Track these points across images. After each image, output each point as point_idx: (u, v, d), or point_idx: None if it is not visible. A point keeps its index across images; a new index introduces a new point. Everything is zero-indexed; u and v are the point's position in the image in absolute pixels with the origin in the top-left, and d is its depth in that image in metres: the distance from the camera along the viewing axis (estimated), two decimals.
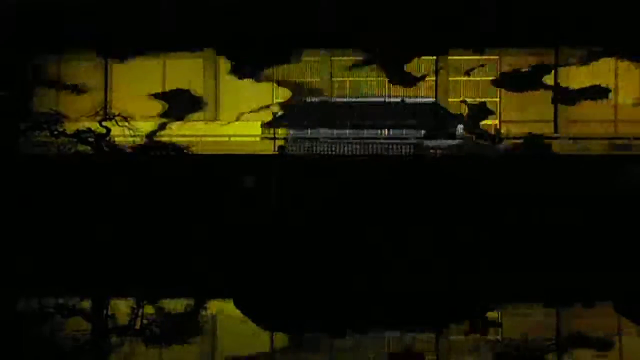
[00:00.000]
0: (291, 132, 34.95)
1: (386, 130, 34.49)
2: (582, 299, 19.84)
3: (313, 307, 18.62)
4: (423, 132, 33.74)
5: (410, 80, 36.58)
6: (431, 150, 32.27)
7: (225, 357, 14.92)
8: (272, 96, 37.85)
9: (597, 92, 35.90)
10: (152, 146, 30.65)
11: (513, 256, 24.45)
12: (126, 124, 30.33)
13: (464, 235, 25.07)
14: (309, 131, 34.79)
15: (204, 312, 18.76)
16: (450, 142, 33.34)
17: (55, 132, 30.49)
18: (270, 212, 26.42)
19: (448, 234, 25.20)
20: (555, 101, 35.99)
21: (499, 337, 16.39)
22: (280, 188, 27.45)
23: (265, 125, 36.15)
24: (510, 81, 36.18)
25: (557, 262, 24.11)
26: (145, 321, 17.52)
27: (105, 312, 18.74)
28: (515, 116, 36.30)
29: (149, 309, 18.79)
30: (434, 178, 27.23)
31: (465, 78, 36.79)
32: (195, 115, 37.57)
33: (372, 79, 37.46)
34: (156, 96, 37.66)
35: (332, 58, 37.05)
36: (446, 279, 21.93)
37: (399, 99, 35.73)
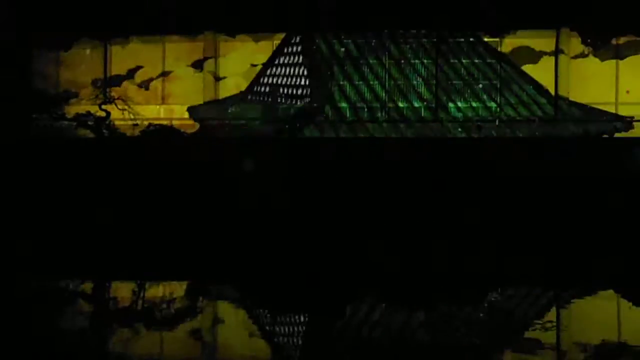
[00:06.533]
0: None
1: None
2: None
3: (313, 289, 18.63)
4: None
5: None
6: None
7: (228, 343, 14.94)
8: None
9: None
10: (152, 130, 30.62)
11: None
12: (126, 107, 30.32)
13: None
14: None
15: (204, 298, 18.75)
16: None
17: (55, 116, 30.47)
18: (269, 196, 26.38)
19: None
20: None
21: None
22: (280, 172, 27.39)
23: None
24: None
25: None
26: (146, 306, 17.53)
27: (106, 296, 18.75)
28: None
29: (150, 294, 18.81)
30: None
31: None
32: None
33: None
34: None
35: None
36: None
37: None
